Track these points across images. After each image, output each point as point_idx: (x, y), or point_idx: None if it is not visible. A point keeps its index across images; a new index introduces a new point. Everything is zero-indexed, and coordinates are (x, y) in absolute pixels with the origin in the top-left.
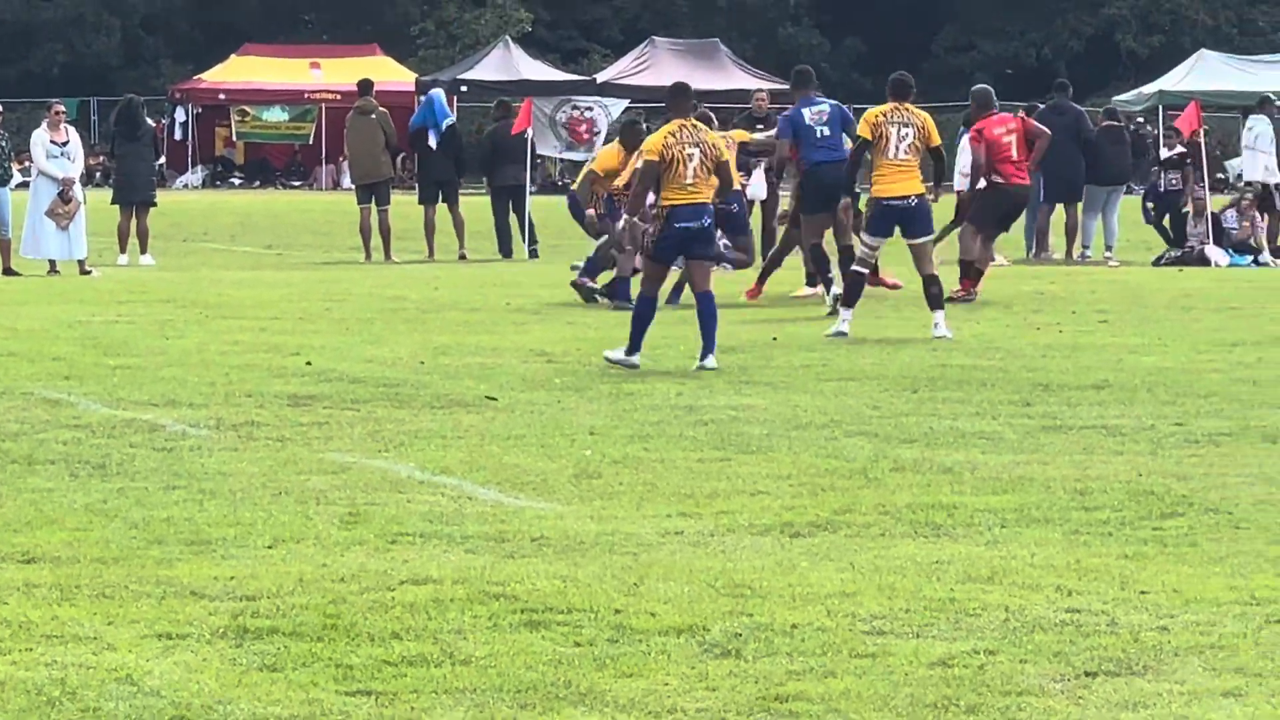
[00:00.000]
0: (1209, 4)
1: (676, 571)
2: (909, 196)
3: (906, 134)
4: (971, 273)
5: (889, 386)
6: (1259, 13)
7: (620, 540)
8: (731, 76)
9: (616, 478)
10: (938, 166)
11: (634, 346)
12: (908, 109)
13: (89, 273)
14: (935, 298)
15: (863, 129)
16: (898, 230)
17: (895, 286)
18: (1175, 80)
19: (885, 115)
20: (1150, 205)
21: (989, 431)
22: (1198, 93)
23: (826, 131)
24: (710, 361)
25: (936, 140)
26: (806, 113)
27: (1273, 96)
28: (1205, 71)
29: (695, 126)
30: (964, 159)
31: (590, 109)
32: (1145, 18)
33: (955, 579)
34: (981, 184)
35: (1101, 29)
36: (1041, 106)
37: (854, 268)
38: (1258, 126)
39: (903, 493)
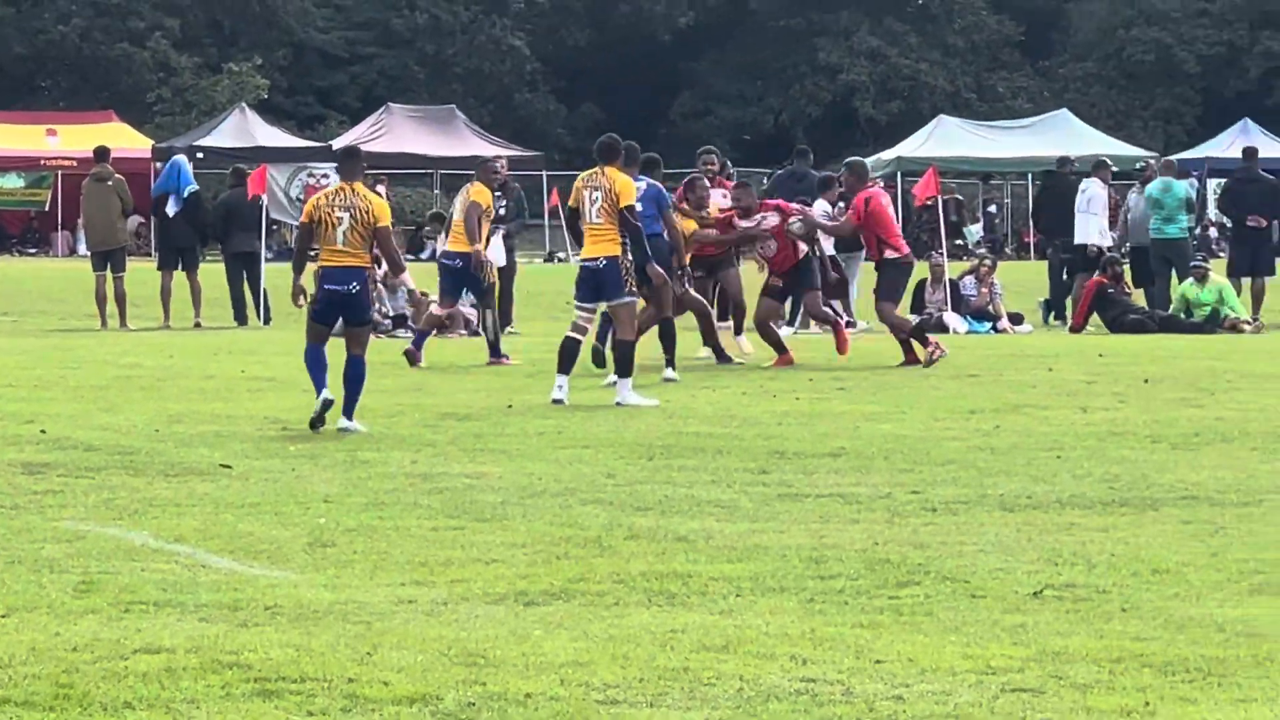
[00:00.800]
0: (947, 70)
1: (410, 640)
2: (598, 259)
3: (597, 197)
4: (918, 335)
5: (624, 454)
6: (998, 79)
7: (354, 609)
8: (468, 143)
9: (350, 546)
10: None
11: (318, 389)
12: (602, 173)
13: None
14: (618, 361)
15: (572, 197)
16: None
17: (746, 354)
18: (914, 146)
19: (583, 180)
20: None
21: (724, 499)
22: (936, 158)
23: (639, 208)
24: (352, 425)
25: (625, 202)
26: None
27: (1107, 160)
28: (944, 137)
29: (354, 191)
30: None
31: (326, 176)
32: (884, 84)
33: (690, 648)
34: (890, 254)
35: (840, 95)
36: (779, 172)
37: (568, 333)
38: (1090, 189)
39: (637, 561)
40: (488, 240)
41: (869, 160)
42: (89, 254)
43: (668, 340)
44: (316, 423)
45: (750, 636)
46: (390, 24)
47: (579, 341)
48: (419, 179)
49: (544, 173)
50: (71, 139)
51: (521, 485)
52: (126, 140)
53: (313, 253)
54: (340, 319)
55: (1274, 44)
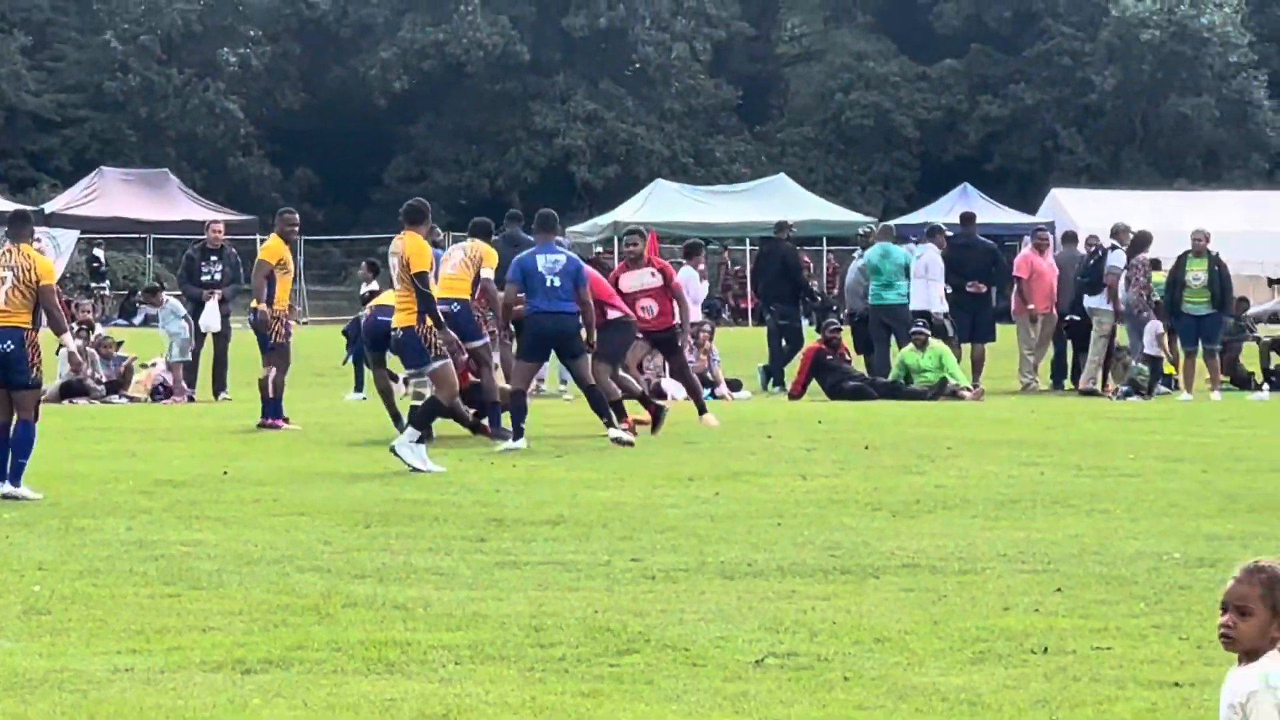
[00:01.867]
0: (664, 135)
1: (127, 709)
2: (396, 329)
3: (394, 263)
4: (619, 409)
5: (340, 521)
6: (715, 143)
7: (69, 678)
8: (182, 207)
9: (66, 613)
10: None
11: None
12: (400, 239)
13: None
14: (419, 414)
15: None
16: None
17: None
18: (631, 211)
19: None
20: None
21: (443, 567)
22: (653, 223)
23: (557, 282)
24: (20, 490)
25: (416, 268)
26: (541, 259)
27: (942, 226)
28: (661, 201)
29: (19, 251)
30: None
31: (39, 240)
32: (600, 148)
33: (409, 717)
34: (612, 314)
35: (556, 159)
36: (496, 238)
37: (412, 403)
38: (927, 255)
39: (355, 629)
40: (203, 306)
41: (585, 225)
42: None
43: (508, 414)
44: None
45: (470, 705)
46: (103, 86)
47: (421, 396)
48: (132, 243)
49: (257, 236)
50: None
51: (238, 552)
52: None
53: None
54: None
55: (992, 109)
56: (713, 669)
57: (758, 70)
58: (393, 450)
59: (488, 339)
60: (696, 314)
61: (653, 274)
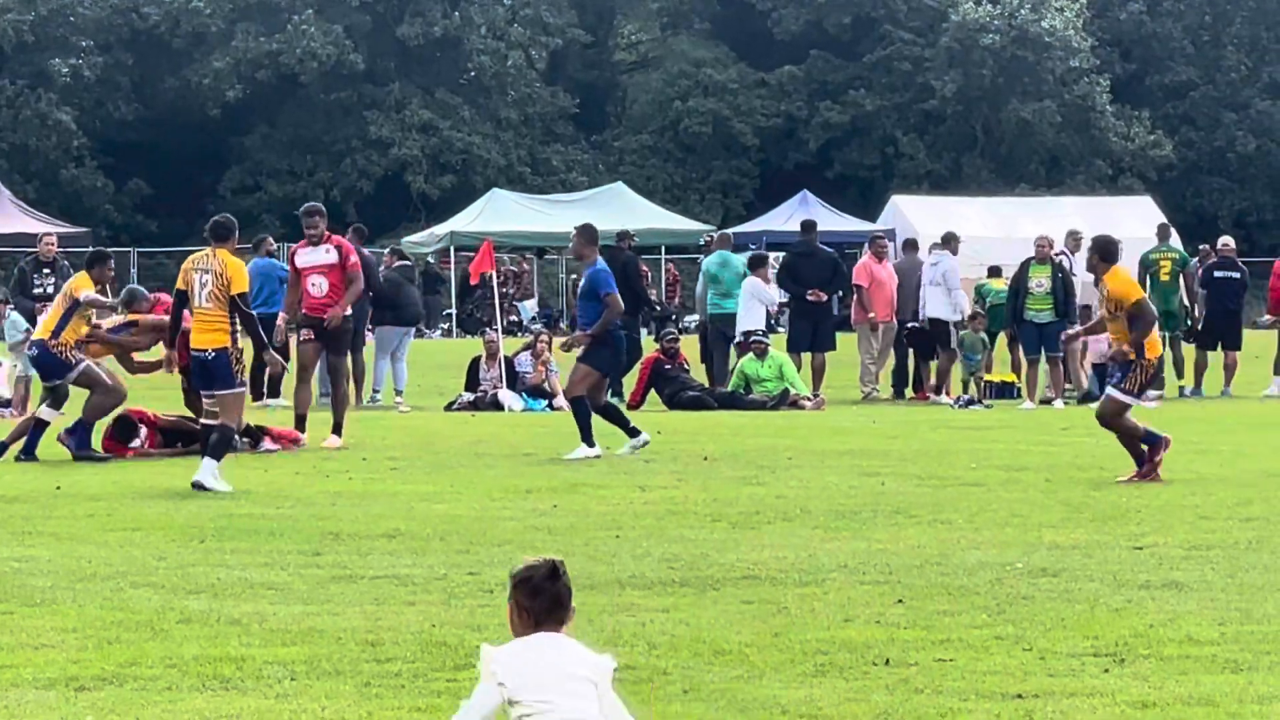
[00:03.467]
0: (501, 144)
1: None
2: (207, 350)
3: (206, 280)
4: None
5: (175, 536)
6: (552, 151)
7: None
8: (14, 219)
9: None
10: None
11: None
12: (213, 255)
13: None
14: (214, 445)
15: (180, 279)
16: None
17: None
18: (468, 220)
19: (192, 262)
20: None
21: (278, 582)
22: (490, 232)
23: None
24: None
25: (238, 289)
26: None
27: (956, 234)
28: (497, 211)
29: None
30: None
31: None
32: (436, 158)
33: None
34: None
35: (391, 169)
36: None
37: (204, 421)
38: (944, 263)
39: (190, 645)
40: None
41: (422, 235)
42: None
43: None
44: None
45: None
46: None
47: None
48: None
49: (91, 248)
50: None
51: (71, 569)
52: None
53: None
54: None
55: (832, 115)
56: None
57: (594, 78)
58: (197, 485)
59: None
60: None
61: (328, 250)
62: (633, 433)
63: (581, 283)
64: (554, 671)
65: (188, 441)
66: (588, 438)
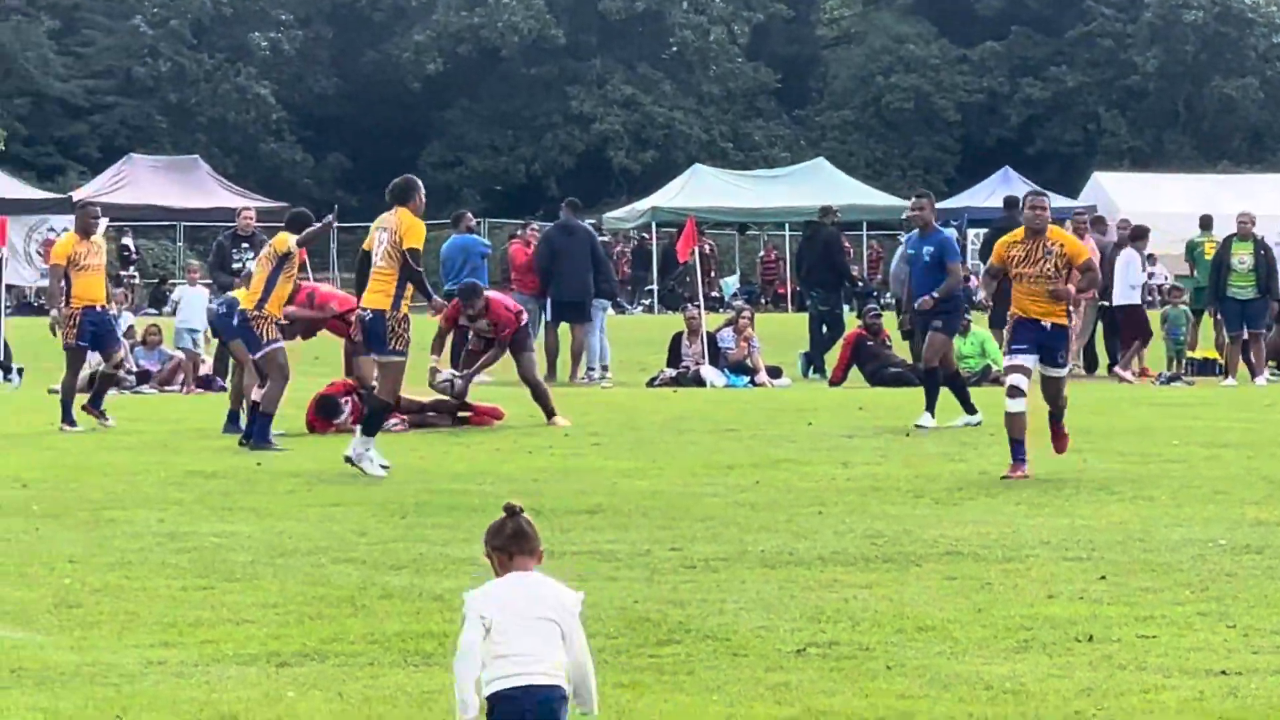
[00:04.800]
0: (703, 119)
1: (160, 703)
2: (367, 310)
3: (383, 238)
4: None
5: (376, 512)
6: (754, 127)
7: (102, 671)
8: (213, 194)
9: (97, 606)
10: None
11: None
12: (394, 214)
13: None
14: (364, 419)
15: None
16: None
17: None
18: (669, 196)
19: (377, 222)
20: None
21: (480, 558)
22: (692, 208)
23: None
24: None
25: (409, 244)
26: None
27: (1147, 228)
28: (699, 187)
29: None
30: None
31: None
32: (638, 133)
33: (446, 710)
34: None
35: (593, 144)
36: (536, 224)
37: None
38: (1122, 257)
39: (392, 620)
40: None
41: (623, 211)
42: None
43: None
44: None
45: None
46: (132, 72)
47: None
48: (162, 230)
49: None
50: None
51: (272, 544)
52: None
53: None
54: None
55: (1034, 91)
56: (754, 659)
57: (796, 53)
58: (349, 460)
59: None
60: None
61: (488, 325)
62: (971, 409)
63: (929, 251)
64: (523, 614)
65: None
66: (967, 406)
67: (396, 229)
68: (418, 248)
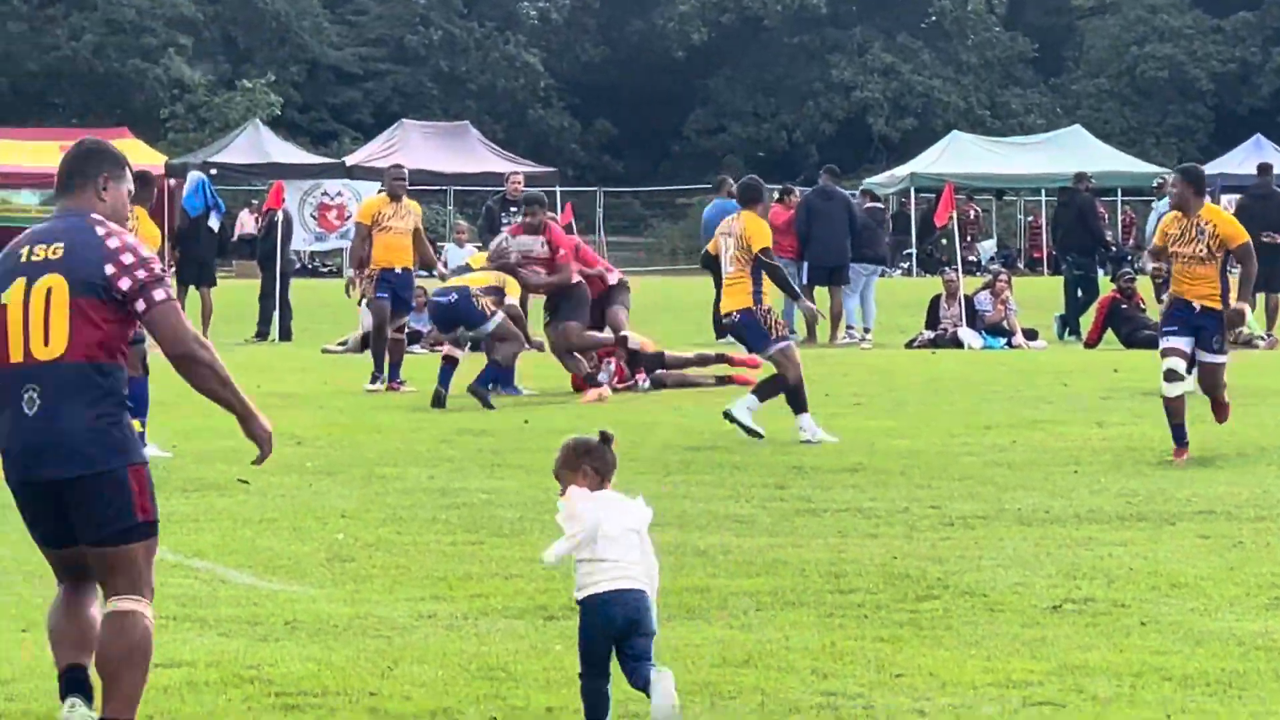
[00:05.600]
0: (960, 87)
1: (430, 655)
2: (731, 314)
3: (729, 244)
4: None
5: (642, 469)
6: (1011, 95)
7: (374, 624)
8: (482, 159)
9: (369, 561)
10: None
11: None
12: (738, 217)
13: None
14: (791, 400)
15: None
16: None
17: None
18: (927, 163)
19: (722, 227)
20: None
21: (743, 514)
22: (950, 175)
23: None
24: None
25: (759, 245)
26: None
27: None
28: (957, 153)
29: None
30: None
31: (340, 194)
32: (897, 101)
33: (710, 662)
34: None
35: (853, 112)
36: (796, 189)
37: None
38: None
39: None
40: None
41: (883, 177)
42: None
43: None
44: None
45: (770, 650)
46: (404, 40)
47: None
48: (433, 195)
49: (558, 188)
50: None
51: (539, 500)
52: (140, 156)
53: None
54: None
55: None
56: (1010, 615)
57: (1052, 23)
58: (728, 415)
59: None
60: None
61: (543, 244)
62: None
63: None
64: (619, 526)
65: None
66: None
67: (743, 233)
68: (768, 247)
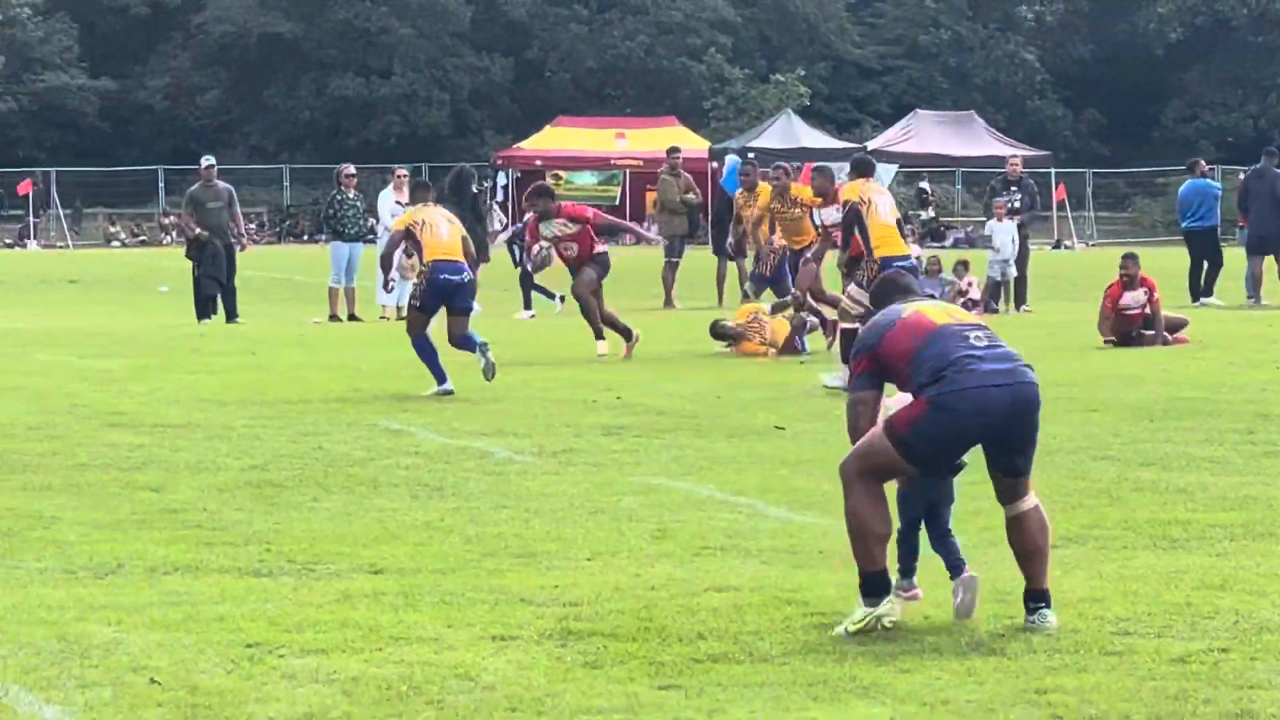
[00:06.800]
0: None
1: (1002, 579)
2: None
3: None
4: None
5: (1128, 416)
6: None
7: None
8: (986, 144)
9: None
10: None
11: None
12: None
13: None
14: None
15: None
16: None
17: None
18: None
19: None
20: None
21: (1217, 456)
22: None
23: None
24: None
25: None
26: None
27: None
28: None
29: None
30: None
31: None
32: None
33: (1191, 586)
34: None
35: None
36: (1247, 171)
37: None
38: None
39: (1142, 510)
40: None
41: None
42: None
43: None
44: None
45: (1244, 576)
46: (918, 40)
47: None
48: (944, 175)
49: (1052, 170)
50: (638, 141)
51: (1040, 444)
52: (687, 142)
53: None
54: None
55: None
56: None
57: None
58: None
59: None
60: None
61: (564, 224)
62: None
63: None
64: None
65: None
66: None
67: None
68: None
